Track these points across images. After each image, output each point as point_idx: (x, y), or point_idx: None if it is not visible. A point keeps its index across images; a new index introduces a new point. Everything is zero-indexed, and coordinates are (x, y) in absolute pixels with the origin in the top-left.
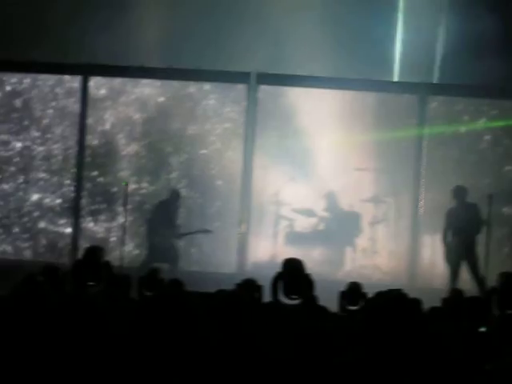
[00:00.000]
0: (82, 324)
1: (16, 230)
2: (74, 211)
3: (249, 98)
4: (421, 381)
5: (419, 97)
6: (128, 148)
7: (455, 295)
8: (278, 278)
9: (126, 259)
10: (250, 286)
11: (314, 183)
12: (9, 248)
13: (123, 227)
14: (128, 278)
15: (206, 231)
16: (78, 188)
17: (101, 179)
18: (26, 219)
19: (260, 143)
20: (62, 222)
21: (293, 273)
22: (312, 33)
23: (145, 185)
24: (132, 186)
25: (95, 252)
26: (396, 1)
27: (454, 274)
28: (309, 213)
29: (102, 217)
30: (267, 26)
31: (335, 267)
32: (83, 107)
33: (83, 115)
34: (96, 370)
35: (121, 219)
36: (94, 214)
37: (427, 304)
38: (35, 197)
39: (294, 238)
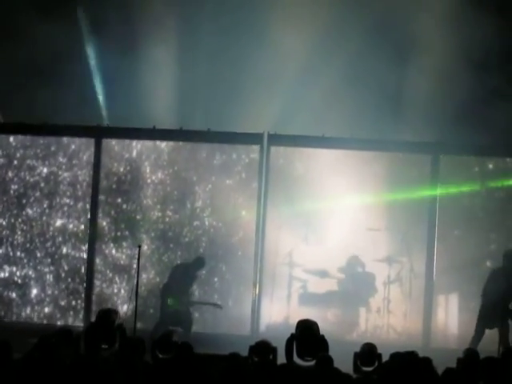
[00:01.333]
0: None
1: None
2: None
3: (261, 158)
4: None
5: (432, 156)
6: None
7: (470, 355)
8: (292, 340)
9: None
10: (264, 348)
11: (327, 244)
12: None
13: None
14: (142, 341)
15: (217, 306)
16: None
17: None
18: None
19: (273, 204)
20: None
21: (307, 334)
22: (323, 94)
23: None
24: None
25: (109, 314)
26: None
27: (480, 334)
28: (322, 273)
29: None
30: (279, 86)
31: (349, 328)
32: None
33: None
34: None
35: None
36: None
37: (442, 365)
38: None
39: (308, 299)
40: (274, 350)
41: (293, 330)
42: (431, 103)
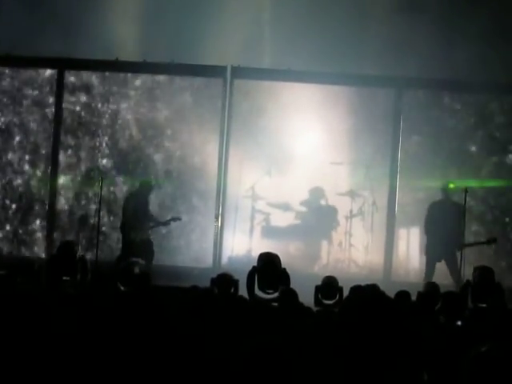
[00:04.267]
0: (54, 318)
1: None
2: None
3: (224, 92)
4: (397, 375)
5: (395, 90)
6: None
7: (431, 289)
8: (254, 273)
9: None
10: (225, 281)
11: (290, 177)
12: None
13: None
14: (103, 273)
15: (176, 219)
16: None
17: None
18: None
19: (235, 137)
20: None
21: (268, 267)
22: (288, 25)
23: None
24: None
25: (70, 246)
26: None
27: (432, 267)
28: (285, 207)
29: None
30: (244, 18)
31: (311, 261)
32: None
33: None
34: (67, 366)
35: None
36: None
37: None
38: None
39: (270, 232)
40: (235, 283)
41: (255, 263)
42: (395, 36)
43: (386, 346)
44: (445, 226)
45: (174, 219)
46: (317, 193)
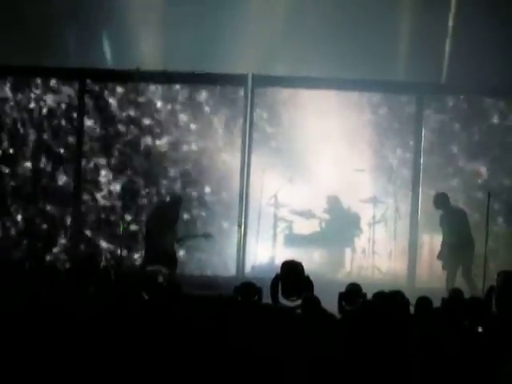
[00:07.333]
0: (76, 326)
1: None
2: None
3: (245, 100)
4: (418, 380)
5: (418, 97)
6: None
7: (455, 295)
8: (277, 280)
9: None
10: (249, 289)
11: (313, 184)
12: None
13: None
14: (127, 282)
15: (207, 236)
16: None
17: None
18: None
19: (257, 145)
20: None
21: (291, 274)
22: (308, 32)
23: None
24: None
25: (93, 258)
26: None
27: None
28: (307, 214)
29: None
30: (264, 26)
31: (334, 268)
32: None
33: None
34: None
35: None
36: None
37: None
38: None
39: (293, 240)
40: (259, 291)
41: (278, 271)
42: (417, 41)
43: (404, 350)
44: (453, 232)
45: (206, 236)
46: (339, 200)
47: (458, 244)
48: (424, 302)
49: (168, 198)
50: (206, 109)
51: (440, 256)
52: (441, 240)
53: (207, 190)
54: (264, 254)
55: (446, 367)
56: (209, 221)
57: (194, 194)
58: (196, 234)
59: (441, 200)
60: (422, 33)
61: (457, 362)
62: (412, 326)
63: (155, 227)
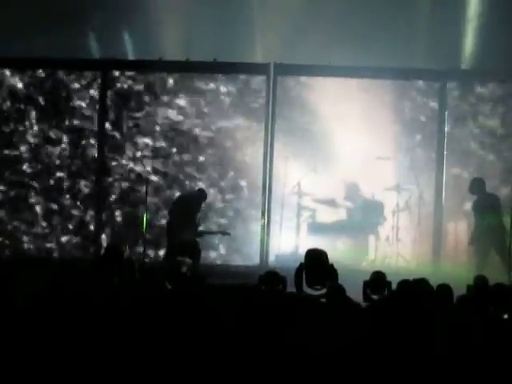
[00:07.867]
0: (101, 316)
1: None
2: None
3: (268, 89)
4: (445, 368)
5: (440, 83)
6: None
7: (480, 282)
8: (301, 269)
9: None
10: (273, 278)
11: (336, 173)
12: None
13: None
14: (150, 272)
15: (225, 233)
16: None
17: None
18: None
19: (280, 134)
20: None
21: (315, 263)
22: (331, 22)
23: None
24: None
25: (118, 247)
26: None
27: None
28: (331, 203)
29: None
30: (285, 15)
31: (359, 257)
32: None
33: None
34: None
35: None
36: None
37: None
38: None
39: (317, 228)
40: (283, 280)
41: (302, 260)
42: (439, 29)
43: (431, 338)
44: (486, 217)
45: (223, 233)
46: (362, 188)
47: (491, 228)
48: (444, 289)
49: (194, 192)
50: (228, 99)
51: (471, 241)
52: (467, 226)
53: (230, 178)
54: (288, 242)
55: (474, 355)
56: (232, 210)
57: (222, 183)
58: (215, 230)
59: (477, 185)
60: (442, 19)
61: (484, 350)
62: (437, 314)
63: (177, 218)
